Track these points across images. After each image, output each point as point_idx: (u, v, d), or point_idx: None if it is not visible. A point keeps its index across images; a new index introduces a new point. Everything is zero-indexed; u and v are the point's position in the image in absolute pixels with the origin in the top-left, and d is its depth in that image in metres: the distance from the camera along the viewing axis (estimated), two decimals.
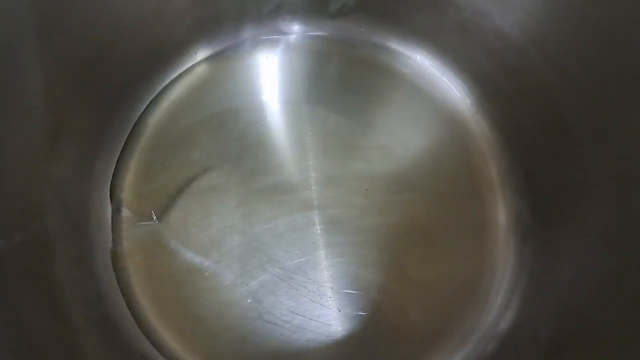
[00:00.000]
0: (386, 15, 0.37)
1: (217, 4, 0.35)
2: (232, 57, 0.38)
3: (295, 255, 0.32)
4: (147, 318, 0.31)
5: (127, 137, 0.35)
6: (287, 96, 0.37)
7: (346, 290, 0.32)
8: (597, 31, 0.28)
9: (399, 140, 0.36)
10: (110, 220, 0.33)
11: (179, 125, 0.36)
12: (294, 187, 0.34)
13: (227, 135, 0.35)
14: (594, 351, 0.26)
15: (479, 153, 0.36)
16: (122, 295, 0.32)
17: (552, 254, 0.31)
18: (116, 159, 0.35)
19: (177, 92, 0.37)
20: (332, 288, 0.32)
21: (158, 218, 0.33)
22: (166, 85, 0.37)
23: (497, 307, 0.32)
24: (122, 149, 0.35)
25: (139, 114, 0.36)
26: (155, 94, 0.36)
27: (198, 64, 0.37)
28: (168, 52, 0.36)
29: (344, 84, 0.37)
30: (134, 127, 0.35)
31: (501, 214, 0.34)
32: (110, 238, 0.33)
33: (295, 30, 0.38)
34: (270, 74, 0.38)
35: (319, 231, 0.33)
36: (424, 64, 0.38)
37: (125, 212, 0.33)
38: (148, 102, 0.36)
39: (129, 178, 0.34)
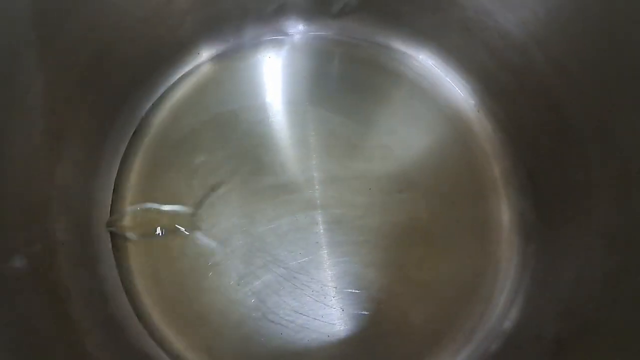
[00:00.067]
0: (389, 15, 0.37)
1: (219, 4, 0.35)
2: (235, 57, 0.38)
3: (299, 255, 0.33)
4: (151, 318, 0.31)
5: (131, 138, 0.35)
6: (290, 96, 0.37)
7: (349, 290, 0.32)
8: (598, 31, 0.28)
9: (401, 140, 0.36)
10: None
11: (182, 126, 0.36)
12: (297, 187, 0.34)
13: (230, 135, 0.35)
14: (595, 350, 0.26)
15: (482, 153, 0.36)
16: (126, 295, 0.32)
17: (554, 254, 0.31)
18: (120, 159, 0.34)
19: (180, 92, 0.37)
20: (335, 287, 0.32)
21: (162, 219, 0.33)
22: (169, 86, 0.37)
23: (501, 306, 0.33)
24: (126, 149, 0.35)
25: (142, 114, 0.36)
26: (158, 95, 0.36)
27: (201, 64, 0.37)
28: (170, 52, 0.36)
29: (346, 83, 0.37)
30: (137, 128, 0.35)
31: (504, 213, 0.35)
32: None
33: (297, 30, 0.38)
34: (272, 73, 0.38)
35: (322, 231, 0.33)
36: (426, 64, 0.38)
37: (129, 212, 0.33)
38: (151, 103, 0.36)
39: (133, 178, 0.34)
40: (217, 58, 0.37)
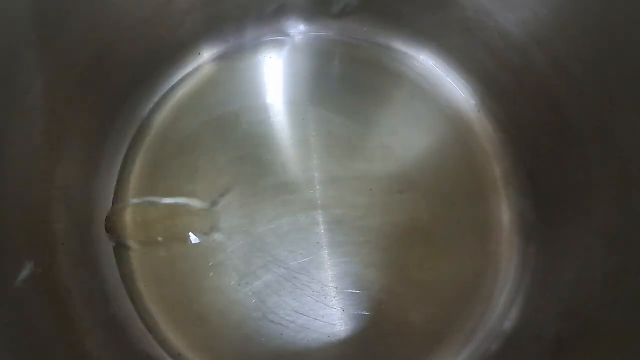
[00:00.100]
0: (389, 15, 0.37)
1: (219, 4, 0.35)
2: (236, 57, 0.38)
3: (299, 255, 0.33)
4: (152, 318, 0.31)
5: (131, 138, 0.35)
6: (291, 96, 0.37)
7: (350, 290, 0.32)
8: (598, 31, 0.28)
9: (402, 140, 0.36)
10: None
11: (183, 126, 0.36)
12: (297, 187, 0.34)
13: (231, 135, 0.35)
14: (595, 350, 0.26)
15: (483, 153, 0.36)
16: (127, 295, 0.32)
17: (554, 254, 0.31)
18: (120, 159, 0.34)
19: (180, 92, 0.36)
20: (335, 288, 0.32)
21: (163, 218, 0.33)
22: (169, 86, 0.37)
23: (501, 306, 0.33)
24: (126, 149, 0.35)
25: (142, 114, 0.36)
26: (158, 95, 0.36)
27: (201, 64, 0.37)
28: (170, 52, 0.36)
29: (347, 84, 0.37)
30: (137, 128, 0.35)
31: (504, 213, 0.35)
32: None
33: (298, 30, 0.38)
34: (273, 74, 0.38)
35: (322, 231, 0.33)
36: (427, 64, 0.38)
37: (130, 213, 0.33)
38: (151, 103, 0.36)
39: (133, 179, 0.34)
40: (217, 58, 0.37)
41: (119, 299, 0.31)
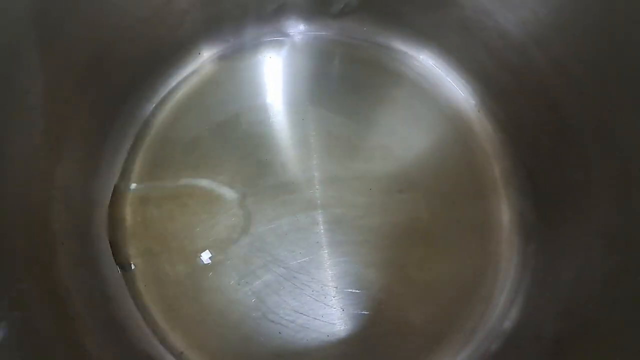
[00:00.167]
0: (389, 15, 0.37)
1: (219, 4, 0.35)
2: (235, 57, 0.38)
3: (299, 254, 0.33)
4: (153, 318, 0.31)
5: (131, 138, 0.35)
6: (290, 96, 0.37)
7: (350, 290, 0.32)
8: (598, 31, 0.28)
9: (402, 140, 0.36)
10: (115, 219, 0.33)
11: (183, 126, 0.36)
12: (297, 187, 0.34)
13: (231, 135, 0.35)
14: (595, 350, 0.26)
15: (482, 153, 0.36)
16: (127, 294, 0.32)
17: (554, 254, 0.31)
18: (120, 159, 0.34)
19: (180, 92, 0.37)
20: (335, 287, 0.32)
21: (162, 218, 0.33)
22: (169, 86, 0.37)
23: (501, 306, 0.33)
24: (126, 149, 0.35)
25: (143, 114, 0.36)
26: (158, 95, 0.36)
27: (201, 64, 0.37)
28: (171, 52, 0.36)
29: (346, 83, 0.37)
30: (137, 128, 0.35)
31: (504, 213, 0.35)
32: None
33: (298, 30, 0.38)
34: (273, 74, 0.38)
35: (322, 231, 0.33)
36: (427, 64, 0.38)
37: (129, 212, 0.33)
38: (151, 103, 0.36)
39: (133, 178, 0.34)
40: (217, 58, 0.38)
41: (118, 299, 0.31)
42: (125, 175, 0.34)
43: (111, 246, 0.32)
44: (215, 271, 0.32)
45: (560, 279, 0.30)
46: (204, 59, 0.37)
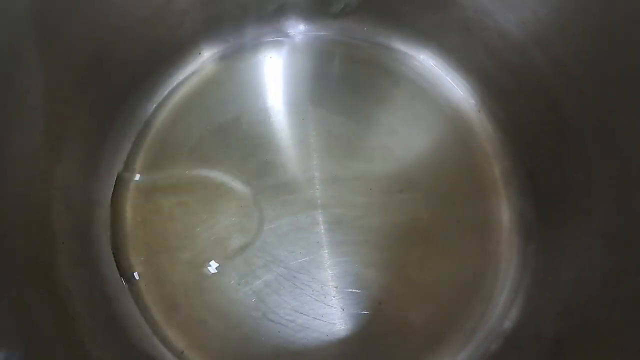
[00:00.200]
0: (389, 15, 0.37)
1: (219, 4, 0.35)
2: (236, 58, 0.38)
3: (299, 254, 0.33)
4: (153, 317, 0.31)
5: (131, 138, 0.35)
6: (291, 96, 0.37)
7: (350, 290, 0.32)
8: (598, 31, 0.28)
9: (402, 140, 0.36)
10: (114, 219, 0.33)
11: (183, 126, 0.36)
12: (297, 186, 0.34)
13: (231, 135, 0.35)
14: (595, 350, 0.26)
15: (482, 153, 0.36)
16: (126, 294, 0.32)
17: (554, 254, 0.31)
18: (120, 159, 0.34)
19: (180, 92, 0.37)
20: (335, 287, 0.32)
21: (162, 218, 0.33)
22: (169, 86, 0.37)
23: (501, 306, 0.33)
24: (126, 149, 0.35)
25: (143, 114, 0.36)
26: (158, 95, 0.36)
27: (201, 64, 0.37)
28: (170, 52, 0.36)
29: (347, 83, 0.37)
30: (137, 128, 0.35)
31: (504, 213, 0.35)
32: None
33: (298, 30, 0.38)
34: (273, 74, 0.38)
35: (322, 230, 0.33)
36: (427, 64, 0.38)
37: (129, 212, 0.33)
38: (151, 103, 0.36)
39: (133, 179, 0.34)
40: (217, 58, 0.38)
41: (119, 299, 0.31)
42: (126, 175, 0.34)
43: (114, 256, 0.32)
44: (215, 271, 0.32)
45: (560, 279, 0.30)
46: (204, 59, 0.37)
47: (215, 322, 0.31)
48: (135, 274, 0.32)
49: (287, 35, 0.38)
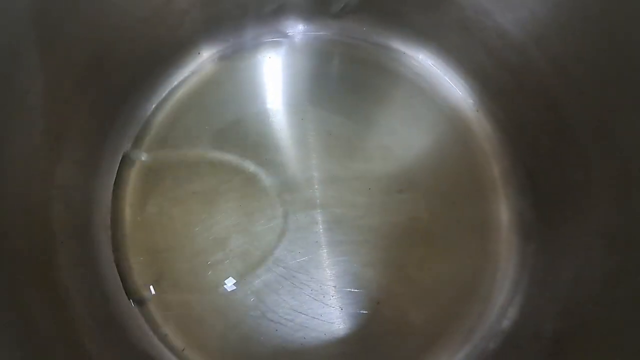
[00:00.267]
0: (388, 15, 0.37)
1: (218, 4, 0.35)
2: (235, 57, 0.38)
3: (298, 254, 0.33)
4: (151, 317, 0.32)
5: (131, 138, 0.35)
6: (290, 96, 0.37)
7: (348, 289, 0.32)
8: (598, 31, 0.28)
9: (401, 140, 0.36)
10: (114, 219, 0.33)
11: (182, 125, 0.36)
12: (296, 186, 0.34)
13: (230, 135, 0.35)
14: (594, 349, 0.26)
15: (482, 152, 0.36)
16: (126, 294, 0.32)
17: (554, 253, 0.31)
18: (120, 159, 0.34)
19: (180, 92, 0.37)
20: (334, 287, 0.32)
21: (162, 218, 0.33)
22: (169, 86, 0.37)
23: (500, 305, 0.33)
24: (125, 149, 0.35)
25: (142, 114, 0.36)
26: (158, 95, 0.36)
27: (201, 64, 0.37)
28: (170, 52, 0.36)
29: (346, 83, 0.37)
30: (137, 128, 0.35)
31: (503, 213, 0.35)
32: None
33: (297, 30, 0.38)
34: (272, 73, 0.38)
35: (321, 230, 0.33)
36: (426, 64, 0.38)
37: (129, 211, 0.33)
38: (151, 103, 0.36)
39: (132, 178, 0.34)
40: (217, 58, 0.38)
41: (119, 299, 0.31)
42: (125, 175, 0.34)
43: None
44: (214, 270, 0.32)
45: (560, 278, 0.30)
46: (203, 59, 0.37)
47: (214, 322, 0.31)
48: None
49: (286, 36, 0.38)
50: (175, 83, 0.37)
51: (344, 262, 0.33)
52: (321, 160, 0.35)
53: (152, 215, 0.33)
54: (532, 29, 0.31)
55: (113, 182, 0.34)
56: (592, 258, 0.28)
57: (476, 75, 0.37)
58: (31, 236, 0.27)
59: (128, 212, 0.34)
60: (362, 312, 0.32)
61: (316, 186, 0.34)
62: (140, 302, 0.32)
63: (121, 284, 0.32)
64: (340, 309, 0.32)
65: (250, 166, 0.35)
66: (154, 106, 0.36)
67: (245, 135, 0.35)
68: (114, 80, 0.33)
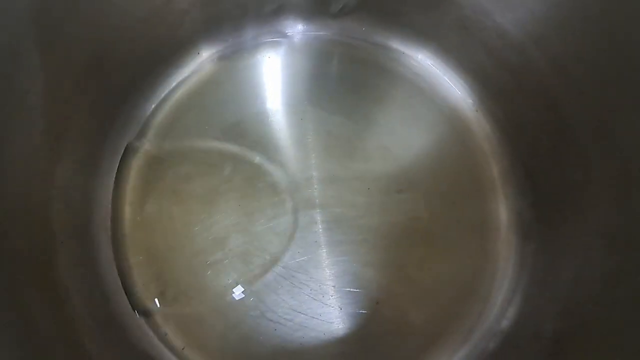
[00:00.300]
0: (387, 15, 0.37)
1: (218, 4, 0.35)
2: (234, 58, 0.38)
3: (298, 254, 0.33)
4: (151, 316, 0.32)
5: (130, 137, 0.35)
6: (289, 96, 0.37)
7: (348, 289, 0.32)
8: (597, 31, 0.28)
9: (400, 140, 0.36)
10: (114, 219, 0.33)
11: (182, 125, 0.36)
12: (296, 186, 0.34)
13: (230, 134, 0.35)
14: (594, 349, 0.26)
15: (481, 152, 0.36)
16: (126, 294, 0.32)
17: (553, 253, 0.31)
18: (119, 159, 0.35)
19: (179, 92, 0.37)
20: (333, 286, 0.32)
21: (161, 218, 0.33)
22: (169, 86, 0.37)
23: (499, 305, 0.33)
24: (125, 149, 0.35)
25: (142, 114, 0.36)
26: (157, 95, 0.36)
27: (200, 64, 0.37)
28: (170, 52, 0.36)
29: (345, 83, 0.37)
30: (136, 127, 0.35)
31: (502, 213, 0.35)
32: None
33: (297, 30, 0.38)
34: (272, 73, 0.38)
35: (320, 230, 0.33)
36: (425, 64, 0.38)
37: (128, 211, 0.34)
38: (150, 103, 0.36)
39: (132, 178, 0.34)
40: (216, 58, 0.38)
41: (119, 299, 0.31)
42: (125, 174, 0.34)
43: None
44: (213, 270, 0.32)
45: (559, 278, 0.30)
46: (203, 59, 0.37)
47: (214, 322, 0.31)
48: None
49: (286, 35, 0.38)
50: (175, 83, 0.37)
51: (344, 261, 0.33)
52: (321, 160, 0.35)
53: (152, 215, 0.33)
54: (531, 29, 0.31)
55: (113, 182, 0.34)
56: (591, 258, 0.28)
57: (476, 75, 0.37)
58: (31, 236, 0.27)
59: (128, 211, 0.34)
60: (361, 311, 0.32)
61: (316, 186, 0.34)
62: (139, 301, 0.32)
63: (121, 283, 0.32)
64: (339, 309, 0.32)
65: (250, 166, 0.35)
66: (153, 106, 0.36)
67: (244, 135, 0.35)
68: (114, 80, 0.33)
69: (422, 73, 0.38)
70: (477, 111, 0.37)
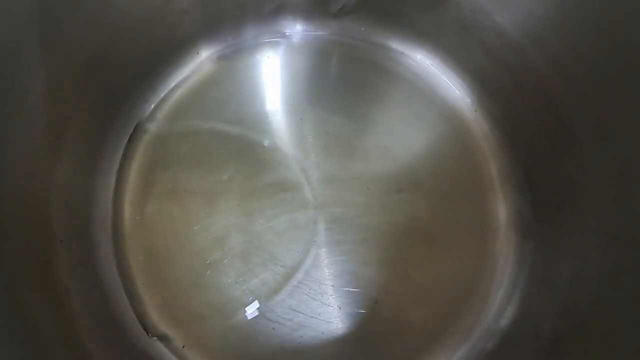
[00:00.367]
0: (387, 15, 0.37)
1: (218, 4, 0.35)
2: (234, 57, 0.38)
3: (297, 253, 0.33)
4: (151, 316, 0.32)
5: (130, 137, 0.35)
6: (289, 96, 0.37)
7: (347, 289, 0.32)
8: (597, 31, 0.28)
9: (399, 140, 0.36)
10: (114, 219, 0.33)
11: (181, 125, 0.36)
12: (295, 185, 0.34)
13: (229, 134, 0.35)
14: (593, 349, 0.26)
15: (480, 152, 0.36)
16: (126, 294, 0.32)
17: (552, 252, 0.31)
18: (120, 159, 0.35)
19: (179, 92, 0.37)
20: (332, 286, 0.32)
21: (161, 218, 0.33)
22: (168, 86, 0.37)
23: (498, 304, 0.33)
24: (125, 148, 0.35)
25: (142, 113, 0.36)
26: (157, 94, 0.36)
27: (200, 64, 0.37)
28: (170, 52, 0.36)
29: (344, 83, 0.37)
30: (136, 127, 0.35)
31: (502, 212, 0.35)
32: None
33: (296, 30, 0.38)
34: (271, 74, 0.38)
35: (320, 229, 0.33)
36: (424, 63, 0.38)
37: (128, 211, 0.34)
38: (150, 103, 0.36)
39: (132, 177, 0.34)
40: (216, 58, 0.38)
41: (119, 299, 0.31)
42: (124, 174, 0.34)
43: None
44: (213, 269, 0.32)
45: (558, 277, 0.30)
46: (202, 58, 0.37)
47: (213, 321, 0.31)
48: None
49: (285, 35, 0.38)
50: (175, 83, 0.37)
51: (343, 261, 0.33)
52: (320, 159, 0.35)
53: (152, 215, 0.33)
54: (530, 29, 0.31)
55: (113, 182, 0.34)
56: (591, 257, 0.28)
57: (474, 75, 0.37)
58: (31, 236, 0.27)
59: (128, 211, 0.34)
60: (360, 311, 0.32)
61: (315, 185, 0.34)
62: (139, 301, 0.32)
63: (121, 283, 0.32)
64: (338, 309, 0.32)
65: (250, 166, 0.35)
66: (152, 106, 0.36)
67: (243, 134, 0.35)
68: (114, 80, 0.33)
69: (421, 73, 0.38)
70: (475, 111, 0.37)
